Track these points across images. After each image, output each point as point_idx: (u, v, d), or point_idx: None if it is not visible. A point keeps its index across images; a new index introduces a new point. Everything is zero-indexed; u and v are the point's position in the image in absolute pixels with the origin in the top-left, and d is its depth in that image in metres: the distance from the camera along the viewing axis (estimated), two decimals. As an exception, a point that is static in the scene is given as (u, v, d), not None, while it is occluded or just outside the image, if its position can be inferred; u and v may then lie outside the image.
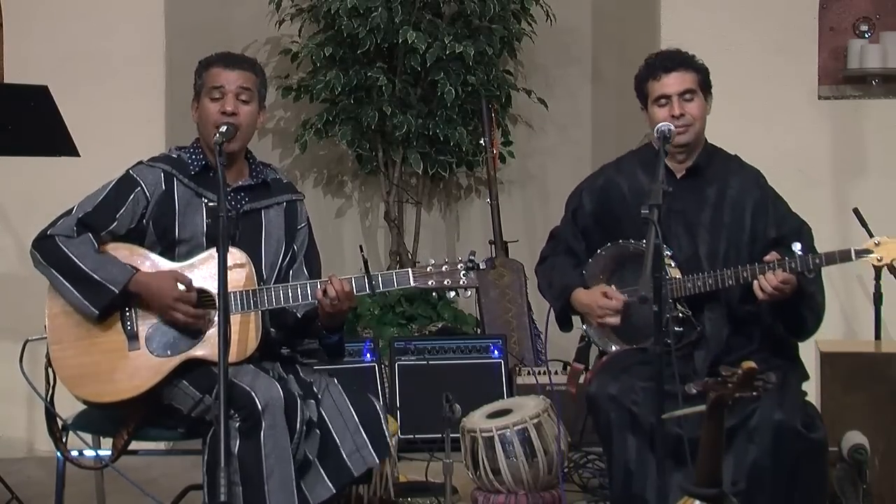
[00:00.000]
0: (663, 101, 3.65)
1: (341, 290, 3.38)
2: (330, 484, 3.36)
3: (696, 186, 3.73)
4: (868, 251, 3.45)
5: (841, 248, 3.49)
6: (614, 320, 3.64)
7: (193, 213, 3.50)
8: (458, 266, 3.43)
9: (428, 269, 3.44)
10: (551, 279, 3.85)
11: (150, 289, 3.38)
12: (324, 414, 3.41)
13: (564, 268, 3.83)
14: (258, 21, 6.10)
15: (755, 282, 3.50)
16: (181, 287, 3.37)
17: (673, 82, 3.66)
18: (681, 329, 3.60)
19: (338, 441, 3.39)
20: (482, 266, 3.45)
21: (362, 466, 3.42)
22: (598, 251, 3.74)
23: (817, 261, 3.47)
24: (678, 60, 3.70)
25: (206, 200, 3.49)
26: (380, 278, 3.43)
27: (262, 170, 3.64)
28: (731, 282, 3.54)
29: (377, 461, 3.45)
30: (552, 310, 3.87)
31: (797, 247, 3.48)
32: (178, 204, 3.50)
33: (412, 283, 3.44)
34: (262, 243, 3.55)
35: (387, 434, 3.46)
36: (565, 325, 3.89)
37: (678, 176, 3.73)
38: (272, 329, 3.55)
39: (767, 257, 3.51)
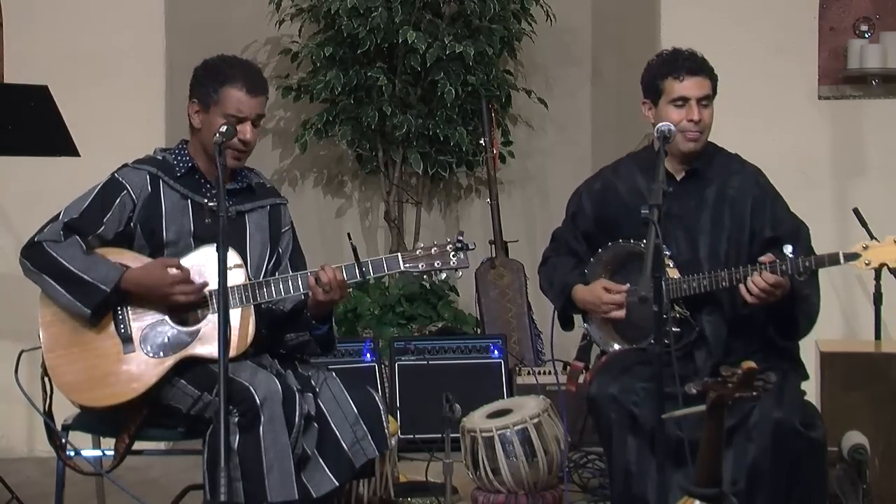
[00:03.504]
0: (681, 102, 3.62)
1: (333, 278, 3.39)
2: (331, 476, 3.37)
3: (696, 188, 3.71)
4: (856, 255, 3.43)
5: (831, 251, 3.48)
6: (620, 314, 3.63)
7: (180, 215, 3.50)
8: (447, 247, 3.44)
9: (417, 253, 3.45)
10: (552, 279, 3.86)
11: (142, 283, 3.37)
12: (322, 407, 3.41)
13: (565, 267, 3.83)
14: (258, 21, 6.10)
15: (741, 285, 3.49)
16: (173, 271, 3.36)
17: (695, 86, 3.61)
18: (679, 329, 3.60)
19: (337, 433, 3.39)
20: (471, 246, 3.46)
21: (362, 458, 3.42)
22: (599, 250, 3.74)
23: (807, 264, 3.46)
24: (700, 64, 3.65)
25: (202, 200, 3.49)
26: (370, 264, 3.43)
27: (246, 174, 3.64)
28: (724, 283, 3.52)
29: (377, 452, 3.46)
30: (554, 309, 3.86)
31: (788, 249, 3.46)
32: (164, 206, 3.49)
33: (402, 267, 3.43)
34: (246, 246, 3.55)
35: (385, 426, 3.46)
36: (567, 324, 3.90)
37: (678, 178, 3.72)
38: (262, 330, 3.53)
39: (762, 258, 3.50)
